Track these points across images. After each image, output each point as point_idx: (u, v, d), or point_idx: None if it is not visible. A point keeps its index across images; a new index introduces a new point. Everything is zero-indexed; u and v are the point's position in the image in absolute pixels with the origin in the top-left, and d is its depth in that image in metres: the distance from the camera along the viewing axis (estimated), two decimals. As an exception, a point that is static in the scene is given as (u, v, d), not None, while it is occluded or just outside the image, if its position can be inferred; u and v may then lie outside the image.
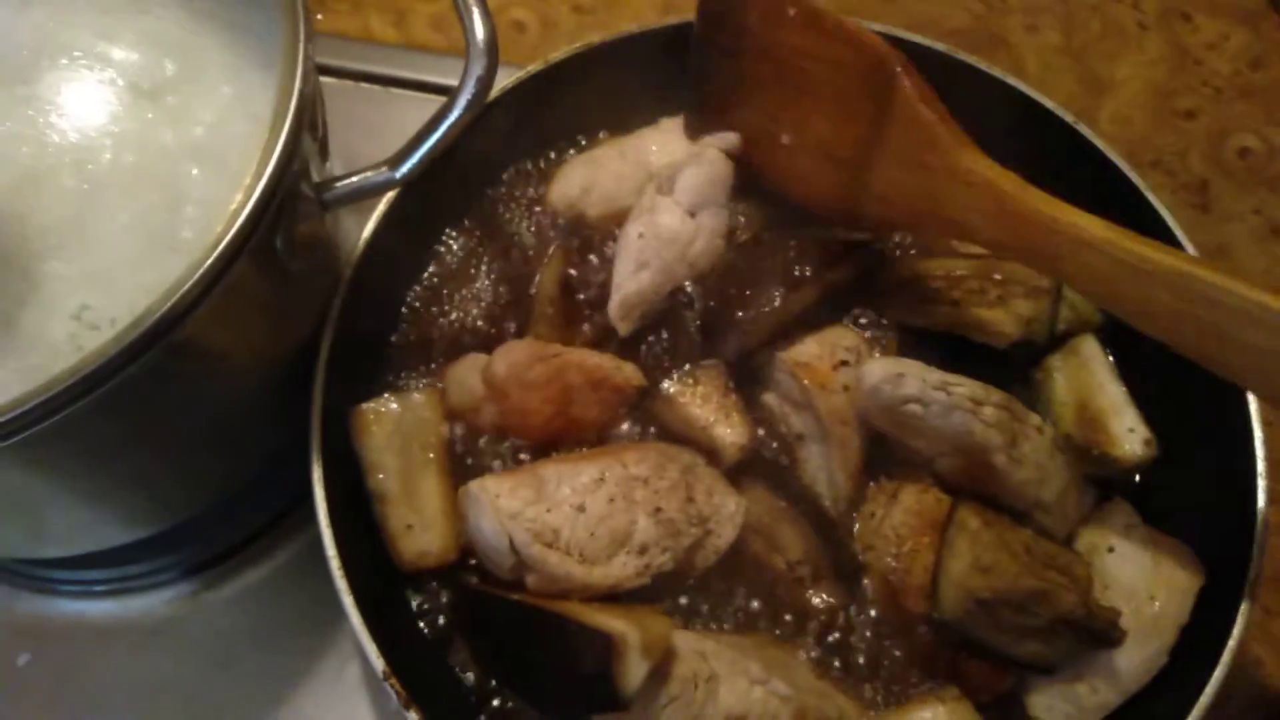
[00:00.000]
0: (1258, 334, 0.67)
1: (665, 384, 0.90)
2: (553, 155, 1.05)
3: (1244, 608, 0.79)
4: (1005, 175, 0.78)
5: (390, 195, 0.91)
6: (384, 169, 0.77)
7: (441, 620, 0.85)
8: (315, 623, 0.92)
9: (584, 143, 1.05)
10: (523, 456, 0.88)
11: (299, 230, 0.76)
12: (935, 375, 0.84)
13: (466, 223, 1.02)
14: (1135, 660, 0.81)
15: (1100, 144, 0.96)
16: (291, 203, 0.73)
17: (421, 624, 0.85)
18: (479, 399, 0.87)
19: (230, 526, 0.96)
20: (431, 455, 0.87)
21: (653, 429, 0.90)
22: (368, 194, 0.78)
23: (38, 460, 0.69)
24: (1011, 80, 0.99)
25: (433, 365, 0.94)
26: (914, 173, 0.83)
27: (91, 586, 0.96)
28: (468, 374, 0.89)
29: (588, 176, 1.00)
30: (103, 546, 0.88)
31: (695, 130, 1.00)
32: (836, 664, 0.83)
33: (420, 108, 1.17)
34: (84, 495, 0.77)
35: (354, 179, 0.77)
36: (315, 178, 0.77)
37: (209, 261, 0.63)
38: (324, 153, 0.82)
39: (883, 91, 0.83)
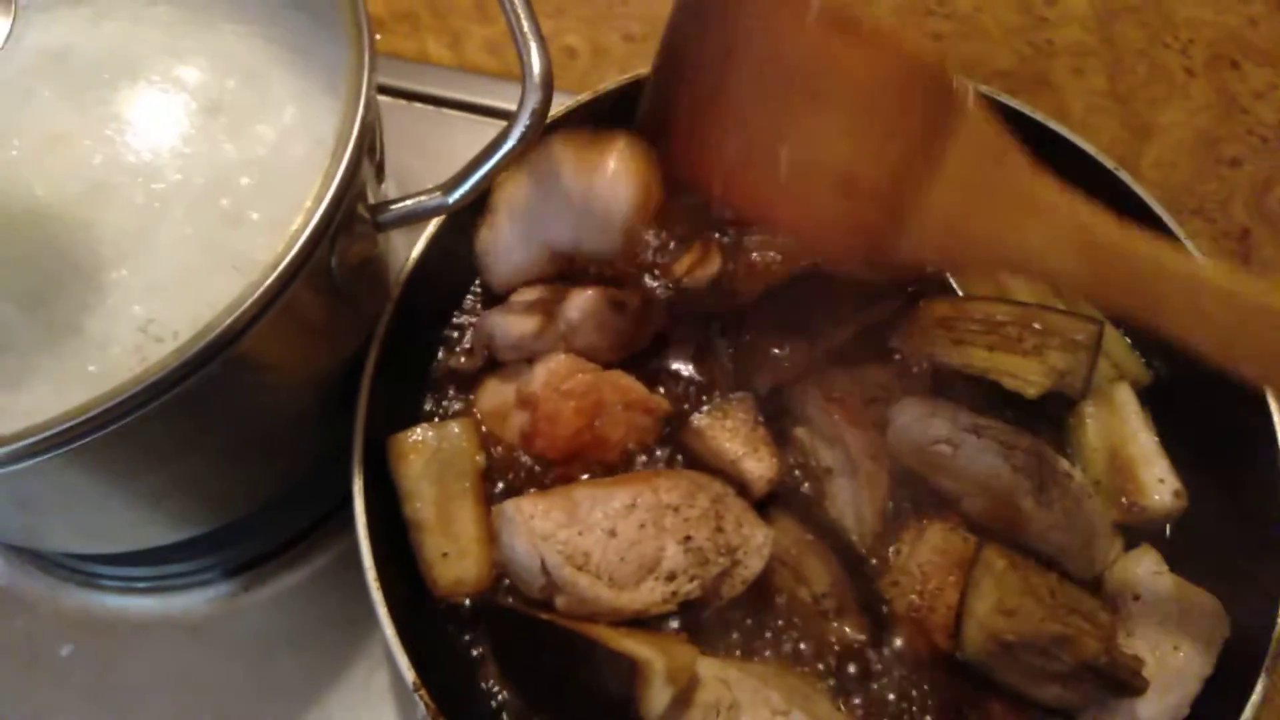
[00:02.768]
0: None
1: (695, 416, 0.91)
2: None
3: (1269, 661, 0.79)
4: (1096, 210, 0.72)
5: (440, 219, 0.94)
6: (437, 194, 0.79)
7: (471, 635, 0.87)
8: (347, 628, 0.94)
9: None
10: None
11: (353, 250, 0.78)
12: (966, 417, 0.85)
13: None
14: (1156, 709, 0.81)
15: (1141, 191, 0.96)
16: (348, 224, 0.76)
17: (451, 638, 0.87)
18: (508, 406, 0.89)
19: (270, 531, 0.99)
20: (467, 484, 0.88)
21: (679, 458, 0.92)
22: (420, 218, 0.81)
23: (96, 463, 0.72)
24: (1054, 124, 1.00)
25: (472, 392, 0.97)
26: (979, 197, 0.73)
27: (134, 583, 0.99)
28: (502, 382, 0.92)
29: None
30: (149, 545, 0.90)
31: (654, 149, 0.84)
32: (858, 698, 0.84)
33: (471, 130, 1.21)
34: (136, 497, 0.80)
35: (408, 202, 0.79)
36: (371, 199, 0.80)
37: (269, 280, 0.66)
38: (380, 175, 0.85)
39: (938, 105, 0.73)
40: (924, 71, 0.74)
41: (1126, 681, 0.79)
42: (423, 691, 0.76)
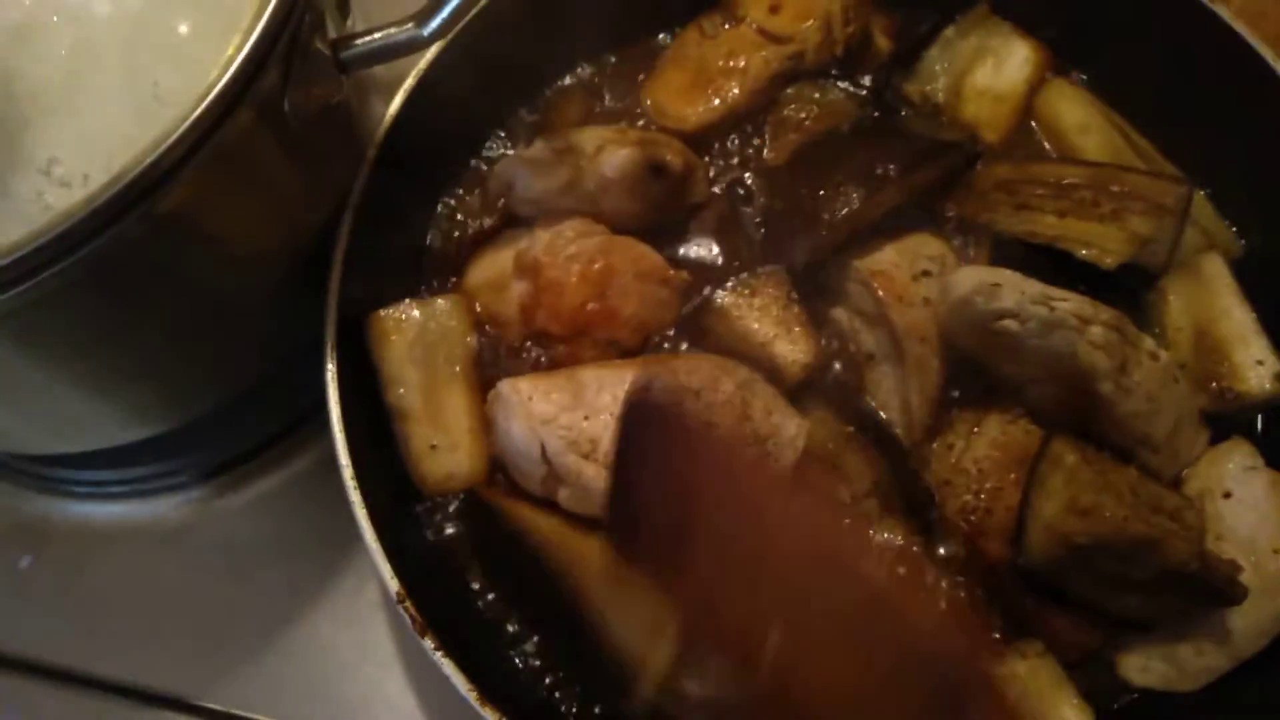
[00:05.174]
0: None
1: (719, 293, 0.80)
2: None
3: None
4: None
5: (421, 69, 0.82)
6: (409, 26, 0.67)
7: (462, 541, 0.78)
8: (332, 538, 0.85)
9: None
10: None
11: (313, 93, 0.67)
12: (1036, 287, 0.73)
13: (522, 114, 0.93)
14: (1251, 621, 0.72)
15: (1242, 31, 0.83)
16: (302, 59, 0.64)
17: (444, 543, 0.78)
18: (506, 275, 0.79)
19: (244, 430, 0.90)
20: (458, 368, 0.79)
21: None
22: (391, 54, 0.69)
23: (24, 338, 0.63)
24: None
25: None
26: None
27: (99, 488, 0.90)
28: (498, 250, 0.82)
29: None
30: (107, 444, 0.82)
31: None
32: (904, 609, 0.74)
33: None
34: (80, 384, 0.71)
35: (375, 36, 0.68)
36: (332, 34, 0.68)
37: (196, 113, 0.55)
38: (344, 9, 0.73)
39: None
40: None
41: (1221, 590, 0.69)
42: (408, 603, 0.67)
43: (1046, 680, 0.71)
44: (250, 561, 0.87)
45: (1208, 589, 0.69)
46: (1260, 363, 0.78)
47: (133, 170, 0.53)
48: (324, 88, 0.67)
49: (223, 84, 0.55)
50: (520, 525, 0.72)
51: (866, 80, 0.91)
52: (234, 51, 0.57)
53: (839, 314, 0.82)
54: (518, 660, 0.75)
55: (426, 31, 0.67)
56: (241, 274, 0.73)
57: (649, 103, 0.91)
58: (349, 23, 0.75)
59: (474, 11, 0.76)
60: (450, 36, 0.79)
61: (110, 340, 0.68)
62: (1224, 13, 0.83)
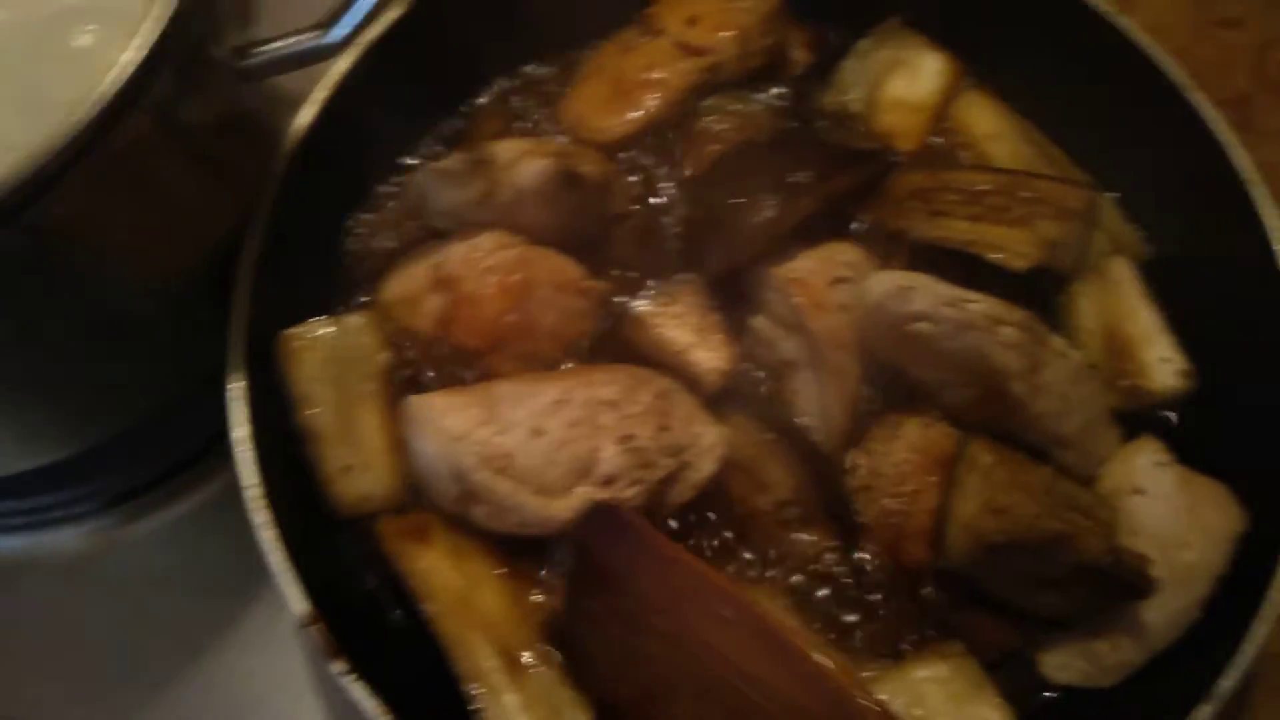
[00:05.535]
0: None
1: (636, 302, 0.80)
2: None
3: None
4: None
5: (335, 79, 0.80)
6: (313, 33, 0.66)
7: (376, 564, 0.75)
8: (243, 566, 0.80)
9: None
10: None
11: (215, 103, 0.65)
12: (948, 290, 0.74)
13: (440, 127, 0.92)
14: (1163, 614, 0.73)
15: (1144, 43, 0.85)
16: (200, 67, 0.62)
17: (356, 570, 0.75)
18: (422, 289, 0.77)
19: (149, 457, 0.87)
20: (372, 386, 0.77)
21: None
22: (296, 63, 0.67)
23: None
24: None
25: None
26: None
27: (-3, 519, 0.86)
28: (415, 265, 0.80)
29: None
30: (3, 472, 0.77)
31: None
32: (825, 617, 0.74)
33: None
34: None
35: (278, 43, 0.66)
36: (233, 42, 0.66)
37: (78, 119, 0.52)
38: (246, 15, 0.71)
39: None
40: None
41: (1132, 583, 0.69)
42: (318, 626, 0.64)
43: (967, 681, 0.71)
44: (157, 593, 0.83)
45: (1120, 583, 0.69)
46: (1166, 360, 0.80)
47: (12, 177, 0.51)
48: (225, 96, 0.65)
49: (109, 89, 0.53)
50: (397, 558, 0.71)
51: (784, 92, 0.92)
52: (121, 55, 0.55)
53: (758, 322, 0.82)
54: (442, 687, 0.73)
55: (330, 39, 0.66)
56: (141, 291, 0.70)
57: (569, 115, 0.90)
58: (256, 29, 0.73)
59: (390, 22, 0.75)
60: (365, 46, 0.79)
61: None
62: (1129, 26, 0.86)
